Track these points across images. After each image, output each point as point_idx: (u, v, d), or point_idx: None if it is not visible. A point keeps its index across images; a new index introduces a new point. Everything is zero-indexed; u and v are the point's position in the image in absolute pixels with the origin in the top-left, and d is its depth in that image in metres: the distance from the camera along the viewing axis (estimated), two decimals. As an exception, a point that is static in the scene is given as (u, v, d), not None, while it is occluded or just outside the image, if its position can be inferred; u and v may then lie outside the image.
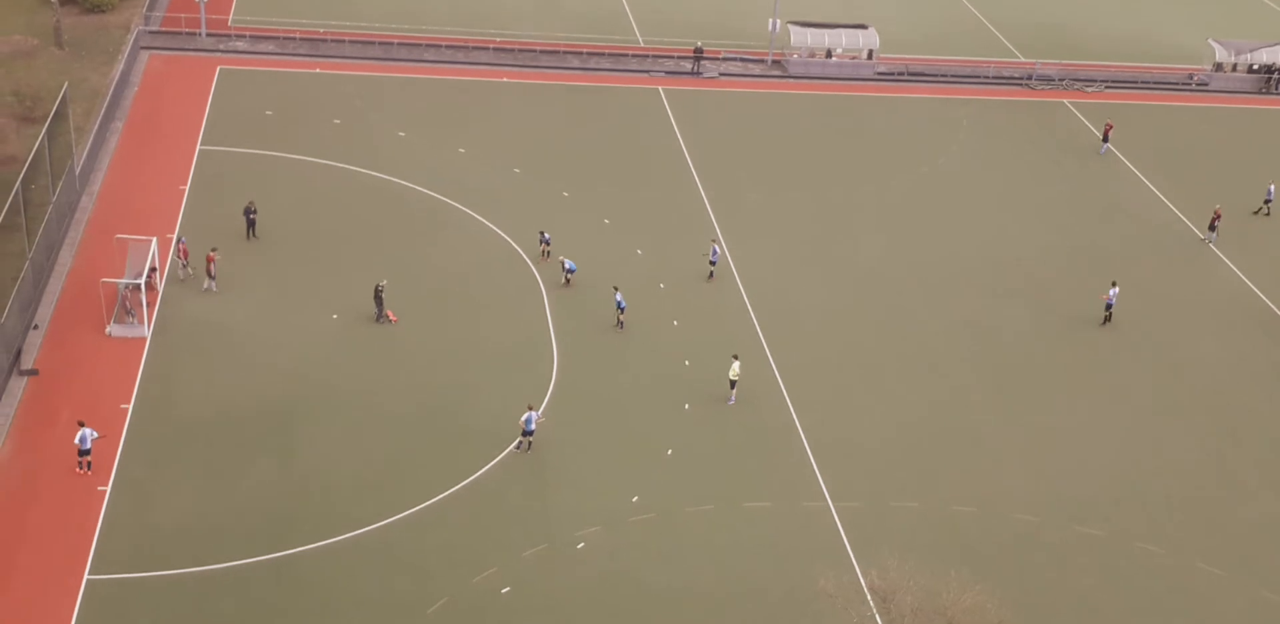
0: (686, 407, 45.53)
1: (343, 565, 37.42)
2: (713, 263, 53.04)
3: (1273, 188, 62.47)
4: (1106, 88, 75.87)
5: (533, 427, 42.33)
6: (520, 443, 42.54)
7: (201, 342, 46.55)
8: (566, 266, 51.46)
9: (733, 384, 45.70)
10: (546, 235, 53.49)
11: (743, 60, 75.61)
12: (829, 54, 75.38)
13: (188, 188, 56.70)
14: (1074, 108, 73.08)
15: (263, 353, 46.32)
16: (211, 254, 49.32)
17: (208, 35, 72.34)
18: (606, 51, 74.97)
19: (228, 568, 36.95)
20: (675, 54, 75.01)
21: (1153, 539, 41.01)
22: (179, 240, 50.68)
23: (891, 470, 43.27)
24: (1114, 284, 52.65)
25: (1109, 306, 52.25)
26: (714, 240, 54.23)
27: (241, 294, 49.49)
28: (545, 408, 44.55)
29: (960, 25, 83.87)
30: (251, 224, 53.10)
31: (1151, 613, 38.19)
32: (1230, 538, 41.39)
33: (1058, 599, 38.30)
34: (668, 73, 73.51)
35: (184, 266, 49.90)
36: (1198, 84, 77.70)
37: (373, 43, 73.02)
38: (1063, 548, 40.42)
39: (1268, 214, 61.87)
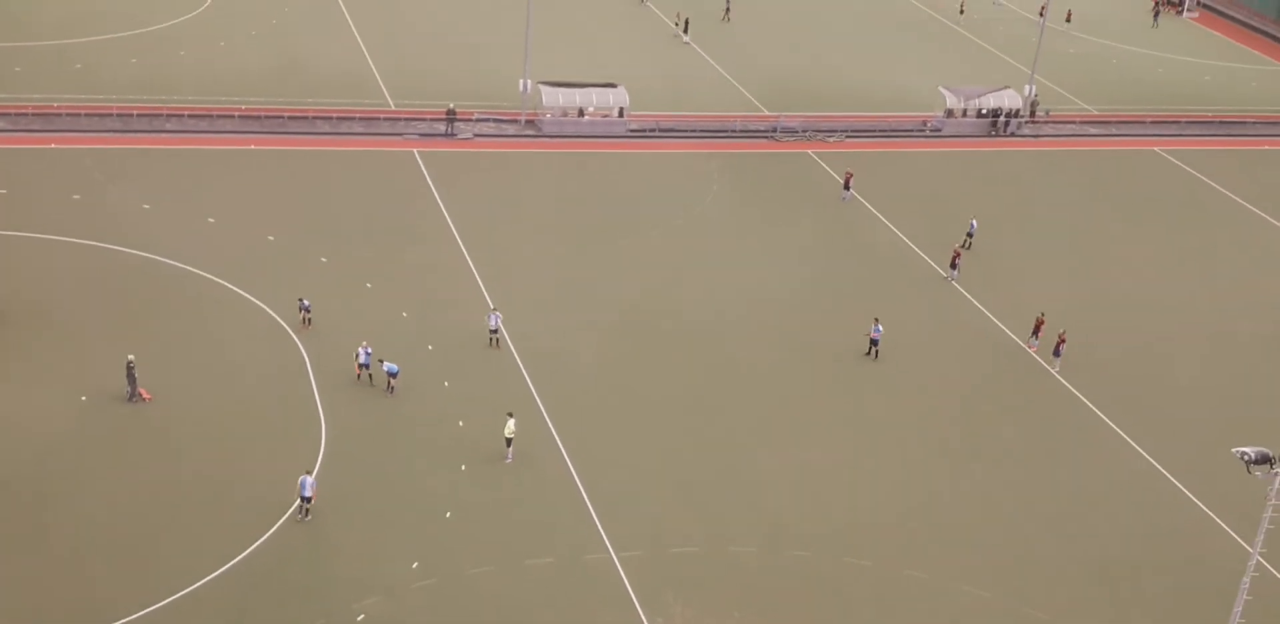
0: (463, 467, 45.00)
1: (106, 658, 35.45)
2: (493, 331, 52.32)
3: (974, 223, 66.03)
4: (846, 137, 79.12)
5: (308, 492, 41.12)
6: (300, 508, 41.26)
7: (-62, 433, 43.78)
8: (386, 369, 48.38)
9: (509, 441, 45.42)
10: (306, 302, 52.34)
11: (496, 121, 76.05)
12: (581, 112, 76.50)
13: (-85, 272, 53.56)
14: (817, 157, 75.91)
15: (3, 441, 43.75)
16: None
17: (-70, 112, 68.84)
18: (357, 116, 74.36)
19: (-22, 672, 34.58)
20: (428, 116, 74.95)
21: (919, 565, 42.32)
22: None
23: (671, 516, 43.59)
24: (876, 320, 54.65)
25: (874, 342, 54.10)
26: (494, 309, 53.44)
27: (-20, 380, 46.81)
28: (316, 476, 43.34)
29: (706, 82, 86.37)
30: (-12, 306, 50.46)
31: (928, 637, 39.36)
32: (989, 558, 43.05)
33: (839, 631, 39.12)
34: (421, 134, 73.32)
35: None
36: (931, 130, 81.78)
37: (110, 115, 70.63)
38: (836, 580, 41.36)
39: (969, 247, 64.86)
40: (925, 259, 64.30)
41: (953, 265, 62.21)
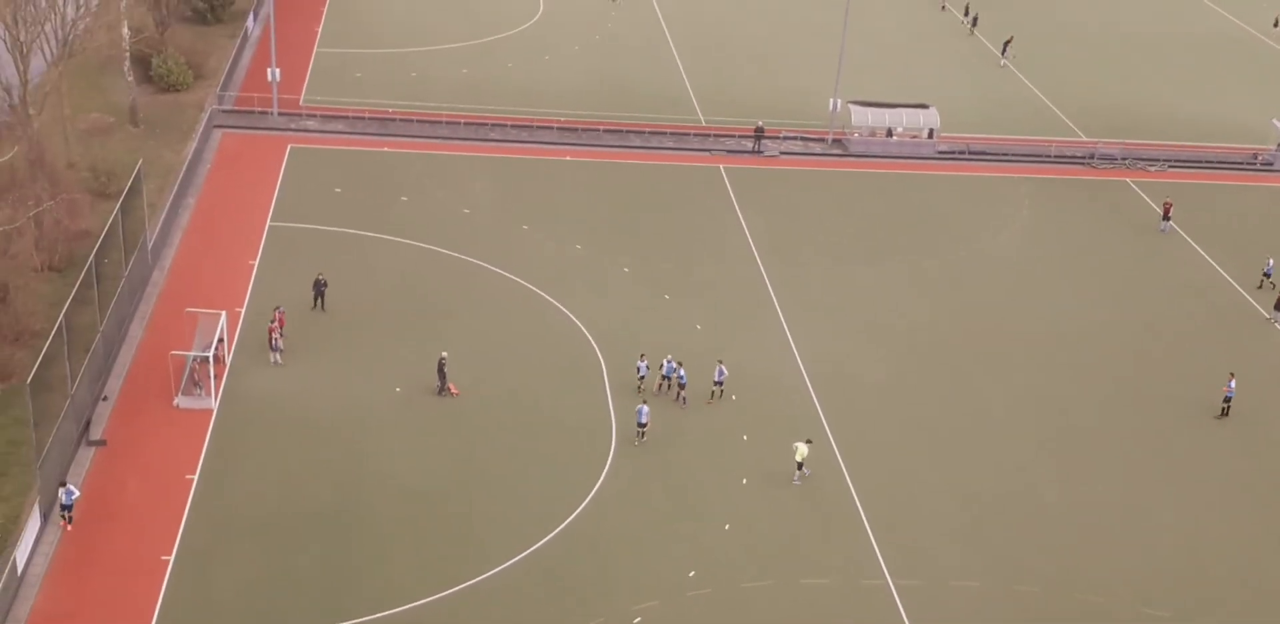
0: (744, 481, 45.41)
1: (400, 637, 37.48)
2: (718, 383, 49.83)
3: (1271, 261, 61.88)
4: (1169, 167, 75.67)
5: (644, 419, 46.40)
6: (638, 433, 46.86)
7: (267, 413, 47.20)
8: (665, 371, 49.56)
9: (800, 464, 45.43)
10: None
11: (803, 139, 76.32)
12: (890, 133, 75.92)
13: (257, 262, 57.84)
14: (1136, 186, 72.91)
15: (326, 424, 46.88)
16: (274, 325, 50.03)
17: (279, 114, 74.21)
18: (668, 130, 76.01)
19: (286, 638, 37.14)
20: (736, 133, 75.89)
21: (1217, 620, 40.05)
22: (276, 309, 51.37)
23: (953, 548, 42.77)
24: (1232, 376, 51.49)
25: (1228, 399, 50.91)
26: (720, 360, 50.70)
27: (307, 366, 50.21)
28: (602, 483, 44.61)
29: (1021, 105, 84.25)
30: (320, 296, 54.06)
31: (1221, 698, 37.30)
32: (1302, 622, 40.41)
33: (1124, 682, 37.54)
34: (729, 151, 74.30)
35: (280, 337, 50.07)
36: (1262, 164, 77.30)
37: (440, 122, 74.51)
38: (1128, 630, 39.67)
39: (1272, 287, 60.68)
40: (1247, 298, 60.84)
41: (1276, 307, 58.64)
